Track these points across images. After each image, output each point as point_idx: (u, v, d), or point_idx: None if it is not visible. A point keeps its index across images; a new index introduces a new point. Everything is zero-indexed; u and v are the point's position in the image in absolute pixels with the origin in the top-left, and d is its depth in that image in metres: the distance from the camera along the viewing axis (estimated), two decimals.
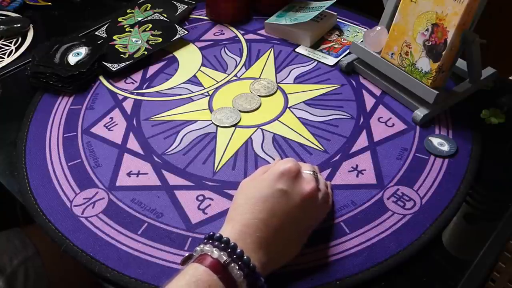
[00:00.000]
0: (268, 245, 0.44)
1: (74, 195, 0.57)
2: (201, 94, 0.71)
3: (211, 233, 0.44)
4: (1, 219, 0.76)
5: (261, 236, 0.44)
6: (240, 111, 0.68)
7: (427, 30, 0.62)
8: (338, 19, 0.85)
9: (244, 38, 0.83)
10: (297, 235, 0.48)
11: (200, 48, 0.81)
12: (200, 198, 0.56)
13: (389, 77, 0.69)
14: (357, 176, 0.58)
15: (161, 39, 0.79)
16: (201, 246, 0.43)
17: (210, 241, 0.43)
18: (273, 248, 0.45)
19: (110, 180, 0.58)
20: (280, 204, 0.46)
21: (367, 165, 0.60)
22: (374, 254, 0.50)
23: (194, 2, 0.91)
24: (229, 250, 0.42)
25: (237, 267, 0.41)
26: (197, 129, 0.65)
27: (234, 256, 0.41)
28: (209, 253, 0.41)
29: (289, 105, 0.69)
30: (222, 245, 0.42)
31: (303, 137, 0.64)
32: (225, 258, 0.41)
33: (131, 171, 0.60)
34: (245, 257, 0.42)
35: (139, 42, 0.78)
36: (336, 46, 0.79)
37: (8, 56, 0.80)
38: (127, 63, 0.74)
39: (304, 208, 0.47)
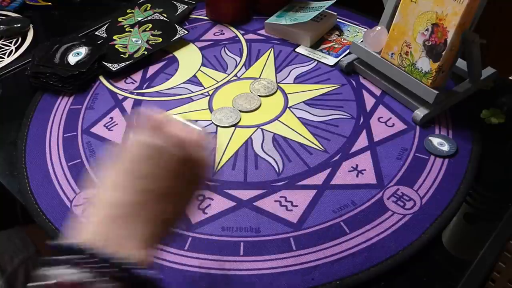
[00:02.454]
0: (138, 223, 0.35)
1: (74, 195, 0.57)
2: (201, 94, 0.71)
3: (62, 244, 0.33)
4: (1, 219, 0.76)
5: (125, 219, 0.34)
6: (240, 111, 0.68)
7: (427, 30, 0.62)
8: (338, 19, 0.85)
9: (244, 38, 0.83)
10: (173, 200, 0.37)
11: (200, 48, 0.81)
12: (200, 198, 0.56)
13: (389, 77, 0.69)
14: (357, 176, 0.58)
15: (161, 39, 0.79)
16: (52, 270, 0.31)
17: (63, 258, 0.32)
18: (149, 224, 0.35)
19: None
20: (145, 170, 0.36)
21: (367, 165, 0.60)
22: (374, 254, 0.50)
23: (194, 2, 0.91)
24: (89, 260, 0.31)
25: (105, 278, 0.31)
26: None
27: (98, 266, 0.31)
28: (66, 277, 0.31)
29: (289, 105, 0.69)
30: (79, 258, 0.31)
31: (303, 137, 0.64)
32: (86, 275, 0.31)
33: None
34: (112, 261, 0.32)
35: (139, 42, 0.78)
36: (336, 46, 0.79)
37: (8, 56, 0.80)
38: (127, 63, 0.74)
39: (174, 169, 0.37)
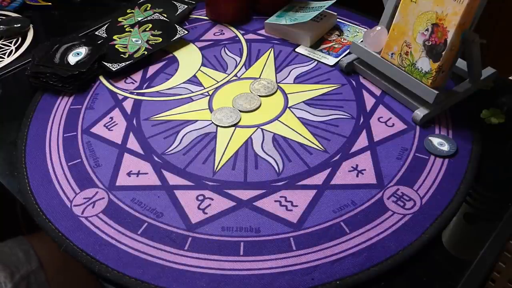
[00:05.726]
0: None
1: (74, 195, 0.57)
2: (201, 94, 0.71)
3: None
4: (1, 219, 0.76)
5: None
6: (240, 111, 0.68)
7: (427, 30, 0.62)
8: (338, 19, 0.85)
9: (244, 38, 0.83)
10: None
11: (200, 48, 0.81)
12: (200, 198, 0.56)
13: (389, 77, 0.69)
14: (357, 176, 0.58)
15: (161, 39, 0.79)
16: None
17: None
18: None
19: (110, 180, 0.58)
20: None
21: (367, 165, 0.60)
22: (374, 254, 0.50)
23: (194, 2, 0.91)
24: None
25: None
26: (197, 129, 0.65)
27: None
28: None
29: (289, 105, 0.69)
30: None
31: (303, 137, 0.64)
32: None
33: (131, 171, 0.60)
34: None
35: (139, 42, 0.78)
36: (336, 46, 0.79)
37: (8, 56, 0.80)
38: (127, 63, 0.74)
39: None
